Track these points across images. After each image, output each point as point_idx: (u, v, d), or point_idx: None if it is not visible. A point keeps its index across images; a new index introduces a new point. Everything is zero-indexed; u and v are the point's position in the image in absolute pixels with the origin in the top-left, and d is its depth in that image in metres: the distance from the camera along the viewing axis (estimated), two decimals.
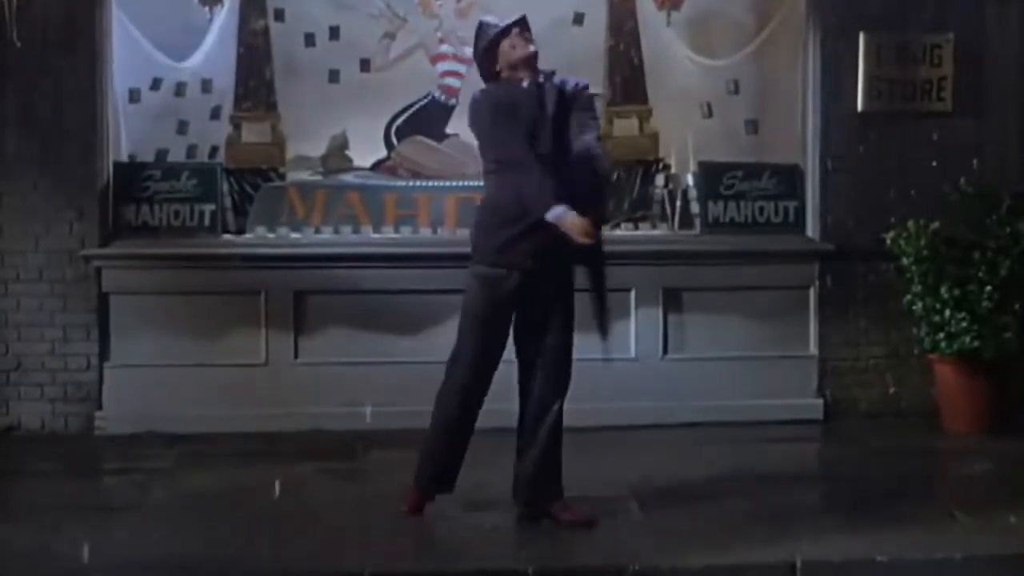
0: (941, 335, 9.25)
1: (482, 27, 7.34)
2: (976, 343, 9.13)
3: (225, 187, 9.94)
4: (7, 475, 8.44)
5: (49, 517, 7.40)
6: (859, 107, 9.88)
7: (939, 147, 9.78)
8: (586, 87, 7.24)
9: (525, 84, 7.10)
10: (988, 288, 9.12)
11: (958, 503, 7.57)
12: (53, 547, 6.88)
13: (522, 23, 7.23)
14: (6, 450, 9.11)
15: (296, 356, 9.61)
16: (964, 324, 9.14)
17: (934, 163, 9.53)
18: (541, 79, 7.13)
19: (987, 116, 9.96)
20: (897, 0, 9.90)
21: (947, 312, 9.19)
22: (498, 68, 7.21)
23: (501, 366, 7.30)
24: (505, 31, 7.15)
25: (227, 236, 9.83)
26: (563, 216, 6.82)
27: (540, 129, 7.00)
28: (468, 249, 9.39)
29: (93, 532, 7.11)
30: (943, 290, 9.17)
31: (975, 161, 9.50)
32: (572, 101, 7.11)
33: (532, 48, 7.14)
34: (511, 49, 7.13)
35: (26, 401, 9.48)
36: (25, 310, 9.48)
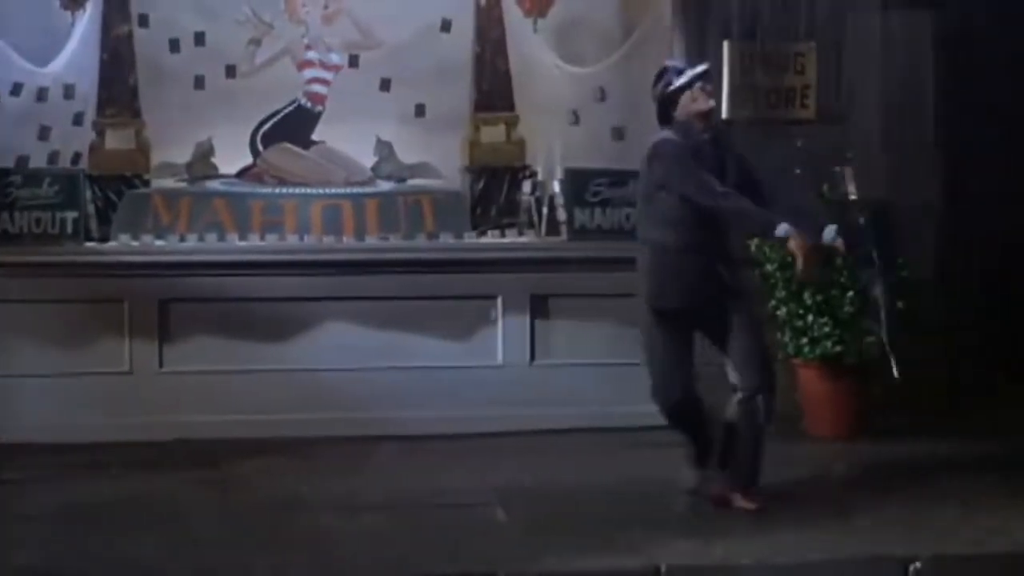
0: (804, 340, 9.36)
1: (667, 71, 7.63)
2: (838, 348, 9.25)
3: (88, 194, 9.82)
4: None
5: None
6: (724, 114, 9.97)
7: (803, 154, 9.88)
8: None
9: (705, 136, 7.44)
10: (850, 294, 9.23)
11: (821, 506, 7.66)
12: None
13: (706, 77, 7.54)
14: None
15: (161, 365, 9.51)
16: (826, 329, 9.26)
17: (798, 170, 9.62)
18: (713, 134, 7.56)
19: (850, 123, 10.10)
20: (761, 9, 10.00)
21: (810, 317, 9.30)
22: (675, 114, 7.49)
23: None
24: (690, 84, 7.45)
25: (90, 244, 9.70)
26: (791, 231, 7.23)
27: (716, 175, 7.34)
28: (333, 256, 9.45)
29: None
30: (806, 296, 9.27)
31: (837, 168, 9.60)
32: (737, 155, 7.61)
33: (712, 103, 7.51)
34: (692, 102, 7.44)
35: None
36: None
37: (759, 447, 7.59)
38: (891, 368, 8.11)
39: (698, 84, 7.47)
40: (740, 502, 7.52)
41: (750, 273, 7.78)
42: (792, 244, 7.32)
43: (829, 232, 7.45)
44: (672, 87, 7.49)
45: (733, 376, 7.52)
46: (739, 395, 7.52)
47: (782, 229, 7.25)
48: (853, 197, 7.78)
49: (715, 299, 7.40)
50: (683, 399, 7.61)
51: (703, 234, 7.34)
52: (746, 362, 7.46)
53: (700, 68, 7.60)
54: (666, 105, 7.54)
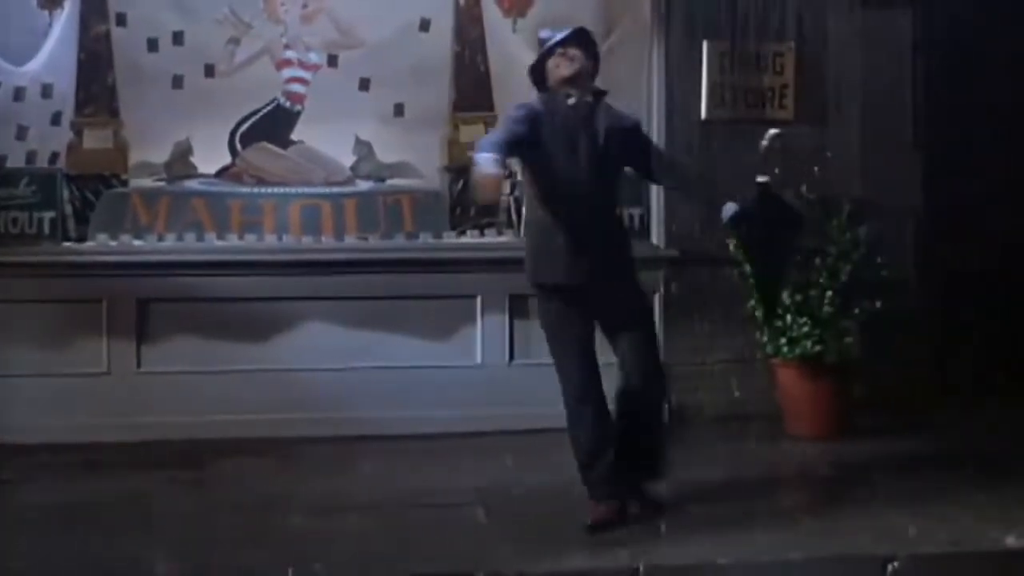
0: (783, 340, 9.36)
1: (540, 42, 7.49)
2: (818, 348, 9.25)
3: (66, 194, 9.78)
4: None
5: None
6: (703, 114, 9.98)
7: (781, 154, 9.87)
8: (639, 123, 7.57)
9: (572, 100, 7.17)
10: (829, 293, 9.25)
11: (800, 506, 7.68)
12: None
13: (567, 41, 7.30)
14: None
15: (139, 365, 9.49)
16: (806, 329, 9.26)
17: (776, 170, 9.61)
18: (590, 98, 7.23)
19: (828, 124, 10.11)
20: (740, 9, 10.00)
21: (789, 317, 9.30)
22: (549, 84, 7.31)
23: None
24: (550, 50, 7.27)
25: (68, 244, 9.67)
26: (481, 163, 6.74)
27: (584, 145, 7.09)
28: (312, 256, 9.42)
29: None
30: (785, 295, 9.27)
31: (816, 168, 9.60)
32: (635, 136, 7.38)
33: (575, 67, 7.20)
34: (555, 68, 7.25)
35: None
36: None
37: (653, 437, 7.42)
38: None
39: (559, 50, 7.27)
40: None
41: (637, 262, 7.49)
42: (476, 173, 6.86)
43: (728, 209, 7.34)
44: (539, 55, 7.35)
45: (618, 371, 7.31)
46: (620, 386, 7.32)
47: (482, 158, 6.75)
48: (761, 179, 7.59)
49: (594, 279, 7.11)
50: (595, 404, 7.36)
51: (568, 210, 7.07)
52: (635, 353, 7.28)
53: (561, 34, 7.36)
54: (537, 76, 7.37)
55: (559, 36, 7.34)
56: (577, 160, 7.10)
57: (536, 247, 7.26)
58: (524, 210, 7.46)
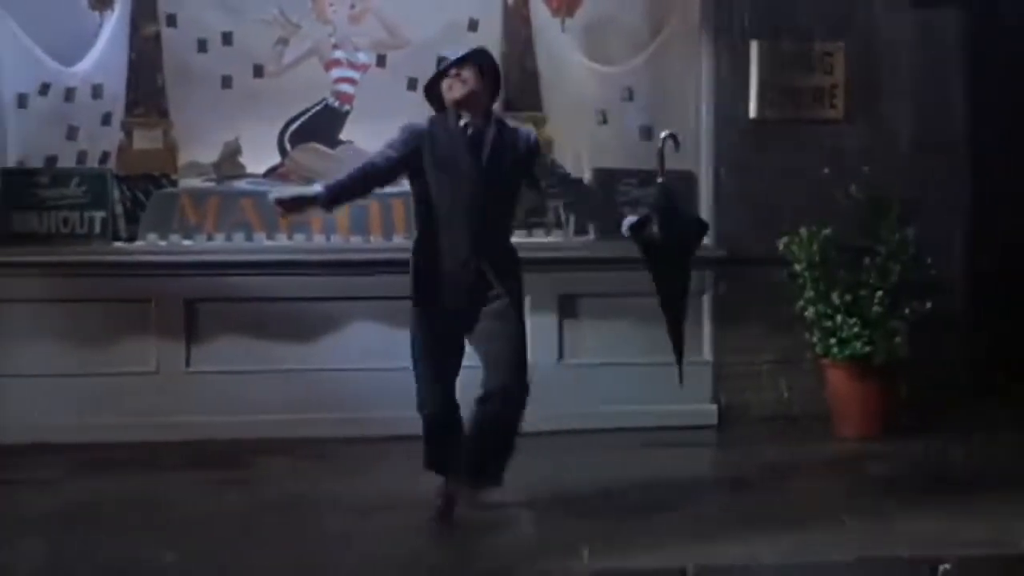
0: (833, 340, 9.31)
1: (437, 62, 7.34)
2: (867, 348, 9.20)
3: (116, 194, 9.81)
4: None
5: None
6: (752, 114, 9.95)
7: (831, 154, 9.83)
8: (537, 141, 7.35)
9: (462, 122, 7.09)
10: (879, 293, 9.19)
11: (847, 507, 7.62)
12: None
13: (461, 62, 7.15)
14: None
15: (188, 364, 9.52)
16: (855, 329, 9.21)
17: (826, 170, 9.57)
18: (480, 120, 7.11)
19: (878, 123, 10.05)
20: (790, 8, 9.96)
21: (838, 318, 9.25)
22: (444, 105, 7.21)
23: None
24: (444, 72, 7.15)
25: (118, 243, 9.70)
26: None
27: (468, 169, 7.02)
28: (361, 256, 9.41)
29: None
30: (835, 296, 9.23)
31: (866, 168, 9.54)
32: (526, 156, 7.19)
33: (466, 90, 7.08)
34: (447, 90, 7.14)
35: None
36: None
37: (487, 444, 7.26)
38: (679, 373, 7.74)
39: (452, 71, 7.13)
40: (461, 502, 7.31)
41: (518, 278, 7.31)
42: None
43: (626, 223, 7.24)
44: (434, 76, 7.22)
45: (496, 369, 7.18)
46: (480, 393, 7.20)
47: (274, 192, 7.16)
48: (660, 180, 7.46)
49: (471, 299, 7.11)
50: (445, 410, 7.29)
51: (451, 232, 7.04)
52: (495, 364, 7.15)
53: (456, 55, 7.20)
54: (433, 98, 7.26)
55: (452, 58, 7.19)
56: (461, 183, 7.03)
57: (418, 268, 7.18)
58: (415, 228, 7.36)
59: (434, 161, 7.05)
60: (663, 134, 7.53)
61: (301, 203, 7.15)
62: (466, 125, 7.09)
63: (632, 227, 7.23)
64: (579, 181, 7.48)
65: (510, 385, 7.15)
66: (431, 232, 7.11)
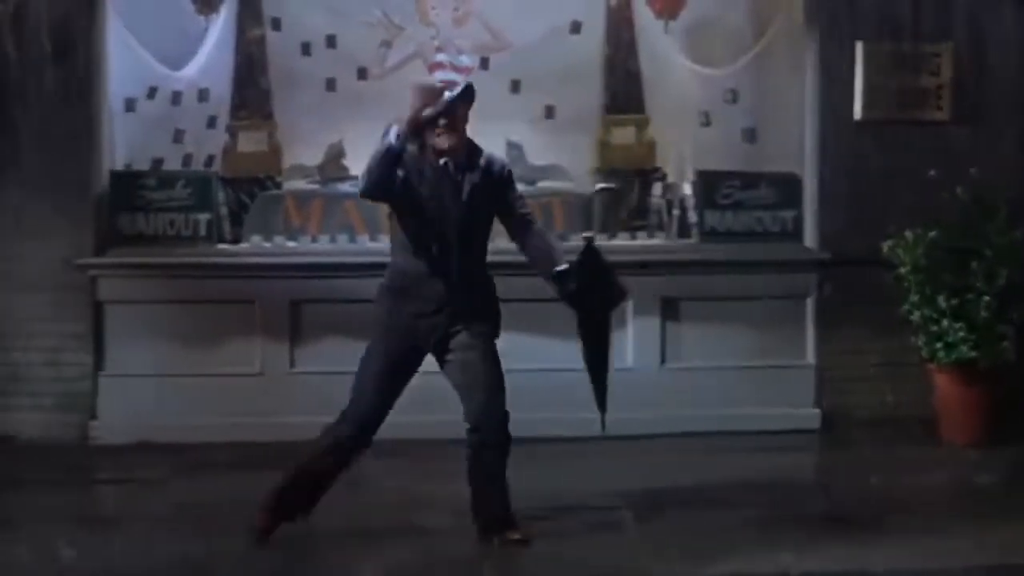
0: (939, 344, 9.20)
1: (414, 89, 7.03)
2: (973, 353, 9.09)
3: (221, 196, 9.91)
4: (1, 485, 8.41)
5: (42, 527, 7.38)
6: (857, 115, 9.86)
7: (937, 155, 9.71)
8: (508, 167, 7.17)
9: (443, 162, 6.91)
10: (986, 297, 9.07)
11: (955, 513, 7.54)
12: (45, 557, 6.85)
13: (453, 108, 6.88)
14: (1, 460, 9.08)
15: (292, 365, 9.58)
16: (962, 334, 9.09)
17: (932, 171, 9.46)
18: (463, 160, 6.94)
19: (985, 124, 9.94)
20: (895, 9, 9.86)
21: (945, 322, 9.14)
22: (424, 141, 6.93)
23: None
24: (434, 120, 6.83)
25: (223, 245, 9.80)
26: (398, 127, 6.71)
27: (449, 203, 6.87)
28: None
29: (85, 542, 7.11)
30: (941, 299, 9.12)
31: (974, 169, 9.43)
32: (501, 187, 7.05)
33: (454, 140, 6.86)
34: (437, 137, 6.86)
35: (21, 411, 9.45)
36: (20, 319, 9.45)
37: (497, 478, 7.04)
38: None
39: (442, 121, 6.82)
40: (509, 535, 7.01)
41: (494, 312, 7.16)
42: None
43: (555, 270, 6.98)
44: (421, 118, 6.81)
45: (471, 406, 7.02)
46: (466, 426, 7.04)
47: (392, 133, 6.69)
48: (588, 234, 7.20)
49: (439, 334, 6.95)
50: (359, 434, 7.11)
51: (428, 264, 6.90)
52: (472, 392, 6.99)
53: (449, 94, 6.89)
54: (417, 135, 6.90)
55: (446, 99, 6.86)
56: (442, 217, 6.88)
57: (392, 296, 7.05)
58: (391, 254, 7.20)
59: (417, 197, 6.88)
60: (599, 186, 7.29)
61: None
62: (446, 164, 6.91)
63: (557, 275, 7.04)
64: (534, 223, 7.13)
65: (491, 411, 6.99)
66: (410, 262, 6.98)
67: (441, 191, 6.88)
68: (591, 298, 7.10)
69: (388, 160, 6.69)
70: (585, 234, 7.39)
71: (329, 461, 7.08)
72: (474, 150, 7.03)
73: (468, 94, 6.99)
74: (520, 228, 7.13)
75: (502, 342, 9.27)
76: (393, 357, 6.98)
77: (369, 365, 7.04)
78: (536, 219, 7.27)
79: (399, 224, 7.06)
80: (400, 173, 6.80)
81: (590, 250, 7.08)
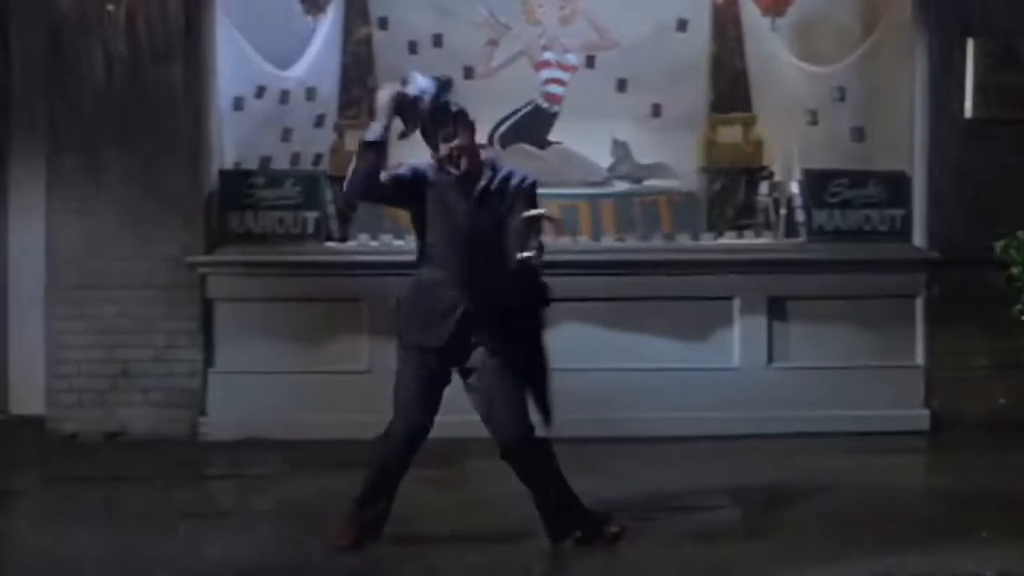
0: None
1: (413, 94, 6.98)
2: None
3: (329, 194, 9.96)
4: (112, 480, 8.51)
5: (152, 522, 7.47)
6: (967, 113, 9.76)
7: None
8: (533, 183, 6.99)
9: (455, 171, 6.82)
10: None
11: None
12: (156, 551, 6.92)
13: (458, 129, 6.85)
14: (111, 455, 9.21)
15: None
16: None
17: None
18: (477, 172, 6.84)
19: None
20: (1007, 5, 9.75)
21: None
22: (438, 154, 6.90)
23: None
24: (447, 137, 6.78)
25: (330, 243, 9.86)
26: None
27: (458, 211, 6.80)
28: (570, 257, 9.39)
29: (195, 537, 7.19)
30: None
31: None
32: (518, 195, 6.88)
33: (468, 161, 6.78)
34: (450, 163, 6.78)
35: (131, 407, 9.57)
36: (131, 317, 9.57)
37: (559, 482, 6.96)
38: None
39: (452, 143, 6.77)
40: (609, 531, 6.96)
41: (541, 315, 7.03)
42: None
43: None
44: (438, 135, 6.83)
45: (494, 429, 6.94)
46: (502, 451, 6.94)
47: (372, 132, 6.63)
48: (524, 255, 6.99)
49: (467, 340, 6.83)
50: (407, 446, 7.03)
51: (445, 274, 6.81)
52: (490, 425, 6.92)
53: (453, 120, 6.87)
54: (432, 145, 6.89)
55: (417, 89, 6.91)
56: (452, 227, 6.81)
57: (411, 306, 6.98)
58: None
59: (434, 202, 6.84)
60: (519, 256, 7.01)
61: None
62: (463, 175, 6.84)
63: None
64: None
65: (510, 442, 6.89)
66: (427, 271, 6.94)
67: (450, 200, 6.83)
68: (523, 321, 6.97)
69: (367, 156, 6.65)
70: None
71: (386, 472, 7.03)
72: (492, 162, 6.97)
73: (444, 88, 7.00)
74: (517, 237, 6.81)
75: (597, 341, 9.31)
76: (421, 367, 6.92)
77: (403, 376, 7.01)
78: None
79: (415, 233, 7.04)
80: (406, 173, 6.83)
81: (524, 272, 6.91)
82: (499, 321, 6.87)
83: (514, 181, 6.92)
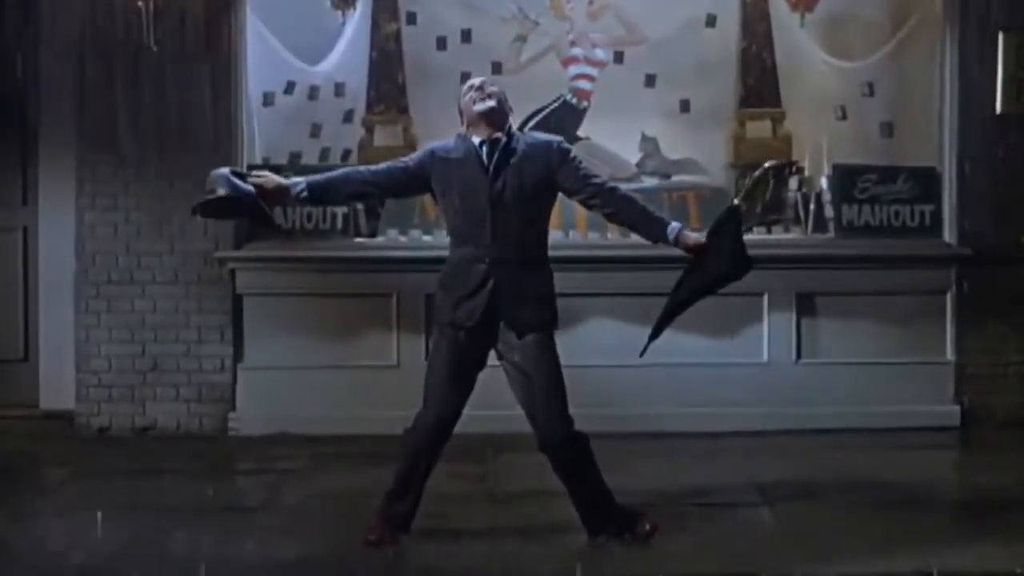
0: None
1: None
2: None
3: None
4: (143, 474, 8.55)
5: (183, 516, 7.49)
6: (997, 108, 9.71)
7: None
8: (560, 144, 6.99)
9: (476, 140, 6.86)
10: None
11: None
12: (186, 546, 6.97)
13: (483, 83, 6.97)
14: (142, 450, 9.25)
15: (426, 358, 9.59)
16: None
17: None
18: (496, 136, 6.84)
19: None
20: None
21: None
22: (466, 123, 6.98)
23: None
24: (466, 91, 6.95)
25: (359, 239, 9.87)
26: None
27: (476, 183, 6.80)
28: (598, 252, 9.39)
29: (226, 532, 7.22)
30: None
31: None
32: (549, 162, 6.88)
33: (490, 103, 6.85)
34: (471, 104, 6.89)
35: (161, 401, 9.61)
36: (160, 311, 9.60)
37: (596, 479, 6.96)
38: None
39: (475, 88, 6.90)
40: (642, 527, 6.93)
41: (546, 294, 7.00)
42: None
43: (672, 230, 7.00)
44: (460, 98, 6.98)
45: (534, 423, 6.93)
46: (540, 444, 6.93)
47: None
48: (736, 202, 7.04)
49: (499, 316, 6.83)
50: (437, 435, 7.02)
51: (472, 250, 6.81)
52: (533, 416, 6.91)
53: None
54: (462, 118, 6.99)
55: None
56: (474, 202, 6.81)
57: (440, 287, 6.99)
58: None
59: (452, 180, 6.87)
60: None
61: (281, 194, 6.93)
62: (481, 143, 6.86)
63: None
64: (617, 190, 7.00)
65: (550, 437, 6.89)
66: (456, 249, 6.96)
67: (472, 176, 6.83)
68: (718, 260, 7.07)
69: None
70: (735, 201, 7.30)
71: (415, 465, 7.02)
72: (518, 138, 6.95)
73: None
74: (602, 197, 6.97)
75: (627, 337, 9.29)
76: (453, 352, 6.91)
77: (434, 363, 7.02)
78: (618, 185, 7.16)
79: (442, 214, 7.10)
80: (401, 166, 6.96)
81: (732, 212, 7.05)
82: (529, 297, 6.88)
83: (539, 148, 6.92)
